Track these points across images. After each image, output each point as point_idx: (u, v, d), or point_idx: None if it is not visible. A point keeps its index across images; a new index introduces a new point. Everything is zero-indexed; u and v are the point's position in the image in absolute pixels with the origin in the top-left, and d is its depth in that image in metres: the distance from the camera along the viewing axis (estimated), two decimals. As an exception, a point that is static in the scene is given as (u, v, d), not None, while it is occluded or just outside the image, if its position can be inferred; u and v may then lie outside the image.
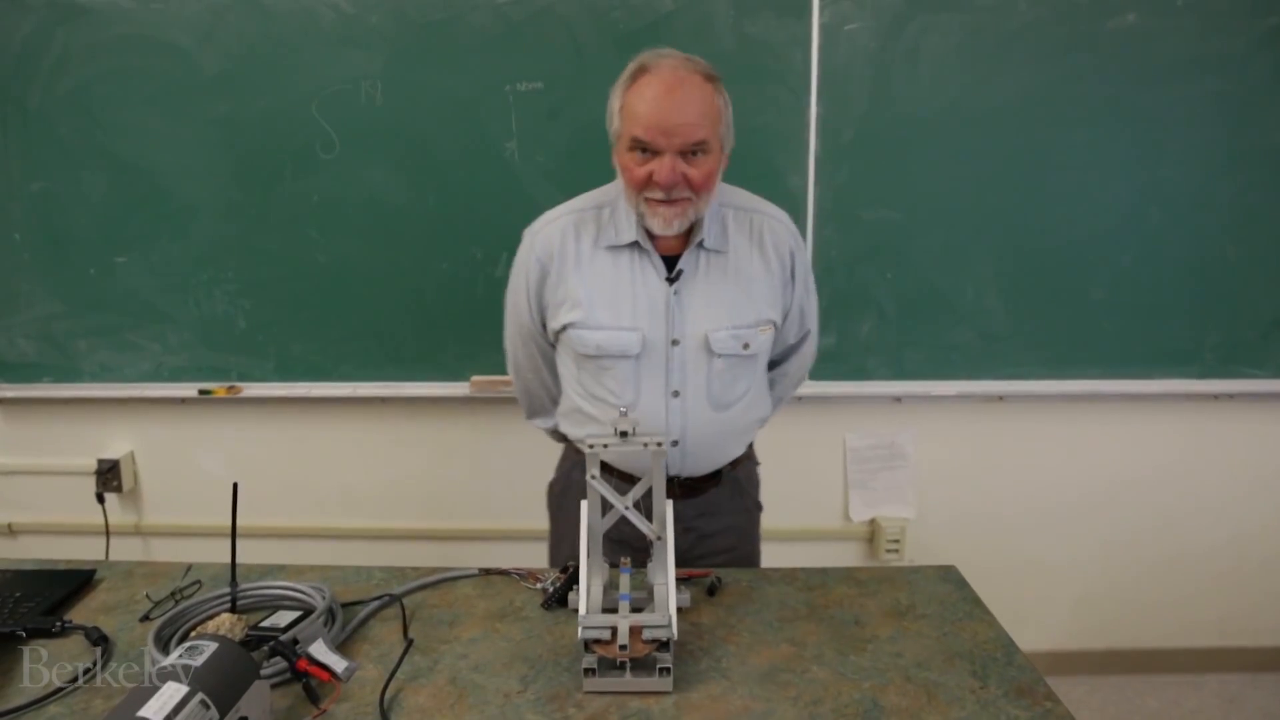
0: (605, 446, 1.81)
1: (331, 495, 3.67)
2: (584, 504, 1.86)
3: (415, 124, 3.21)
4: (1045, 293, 3.36)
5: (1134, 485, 3.67)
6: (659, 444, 1.81)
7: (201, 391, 3.45)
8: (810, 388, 3.41)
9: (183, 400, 3.53)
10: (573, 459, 2.50)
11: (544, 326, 2.35)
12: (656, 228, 2.14)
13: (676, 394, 2.25)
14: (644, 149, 2.05)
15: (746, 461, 2.52)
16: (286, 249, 3.31)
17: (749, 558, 2.54)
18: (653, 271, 2.22)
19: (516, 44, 3.13)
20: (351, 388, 3.44)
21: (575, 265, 2.24)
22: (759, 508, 2.61)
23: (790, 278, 2.35)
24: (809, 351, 2.59)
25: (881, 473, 3.64)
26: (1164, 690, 3.79)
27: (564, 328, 2.25)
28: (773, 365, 2.51)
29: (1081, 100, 3.20)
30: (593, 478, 1.83)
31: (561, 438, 2.55)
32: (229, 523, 1.96)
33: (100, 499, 3.63)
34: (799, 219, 3.23)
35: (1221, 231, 3.31)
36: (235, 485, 1.97)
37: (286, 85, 3.18)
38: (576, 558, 1.88)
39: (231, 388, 3.44)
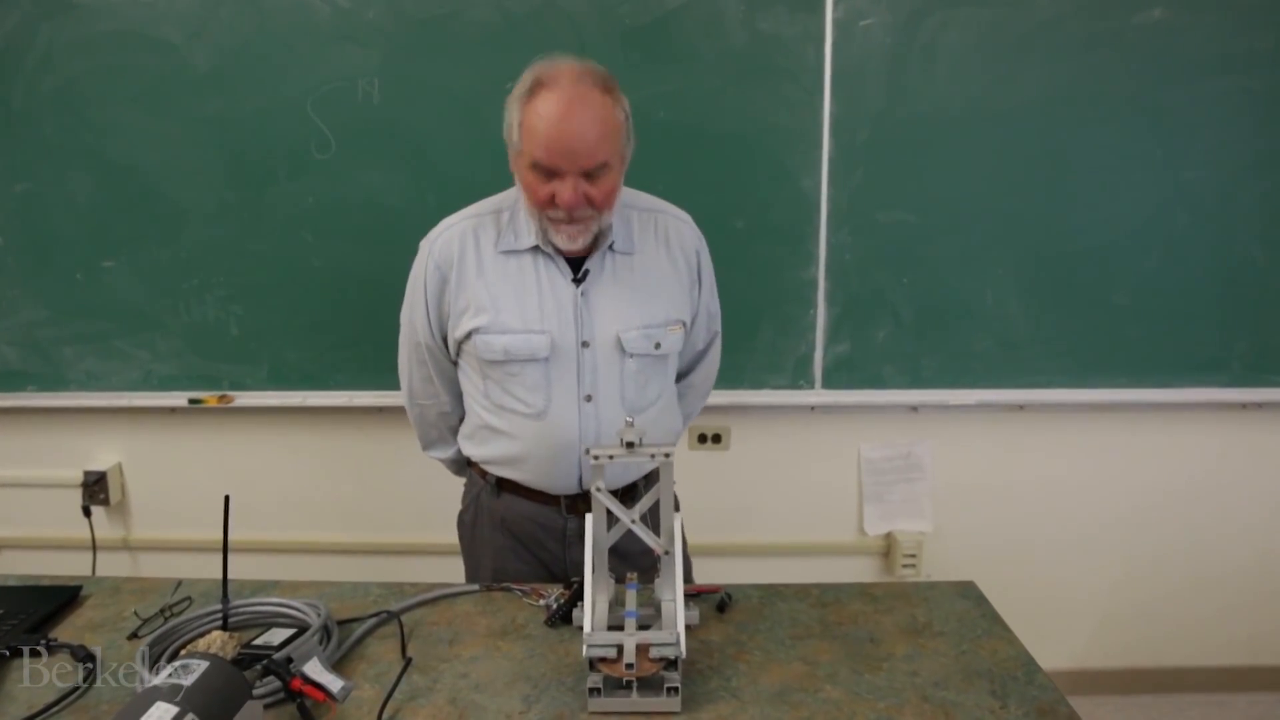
0: (611, 458, 1.81)
1: (327, 508, 3.67)
2: (589, 518, 1.86)
3: (414, 123, 3.21)
4: (1067, 298, 3.36)
5: (1160, 497, 3.66)
6: (666, 454, 1.81)
7: (192, 401, 3.45)
8: (823, 397, 3.41)
9: (172, 410, 3.53)
10: (479, 485, 2.50)
11: (445, 341, 2.37)
12: (561, 243, 2.18)
13: (589, 398, 2.26)
14: (545, 170, 2.06)
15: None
16: (280, 253, 3.31)
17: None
18: (558, 274, 2.25)
19: (519, 40, 3.13)
20: (348, 397, 3.44)
21: (477, 270, 2.27)
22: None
23: (697, 278, 2.41)
24: (714, 358, 2.64)
25: (897, 485, 3.64)
26: (1191, 710, 3.78)
27: (468, 335, 2.26)
28: (679, 378, 2.57)
29: (1105, 98, 3.20)
30: (597, 490, 1.83)
31: (461, 467, 2.58)
32: (220, 537, 1.96)
33: (86, 512, 3.63)
34: (812, 221, 3.24)
35: (1250, 234, 3.31)
36: (227, 498, 1.97)
37: (280, 83, 3.19)
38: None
39: (223, 397, 3.45)
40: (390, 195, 3.25)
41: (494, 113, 3.15)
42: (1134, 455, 3.62)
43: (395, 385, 3.37)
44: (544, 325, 2.22)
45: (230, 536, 1.97)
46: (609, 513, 1.86)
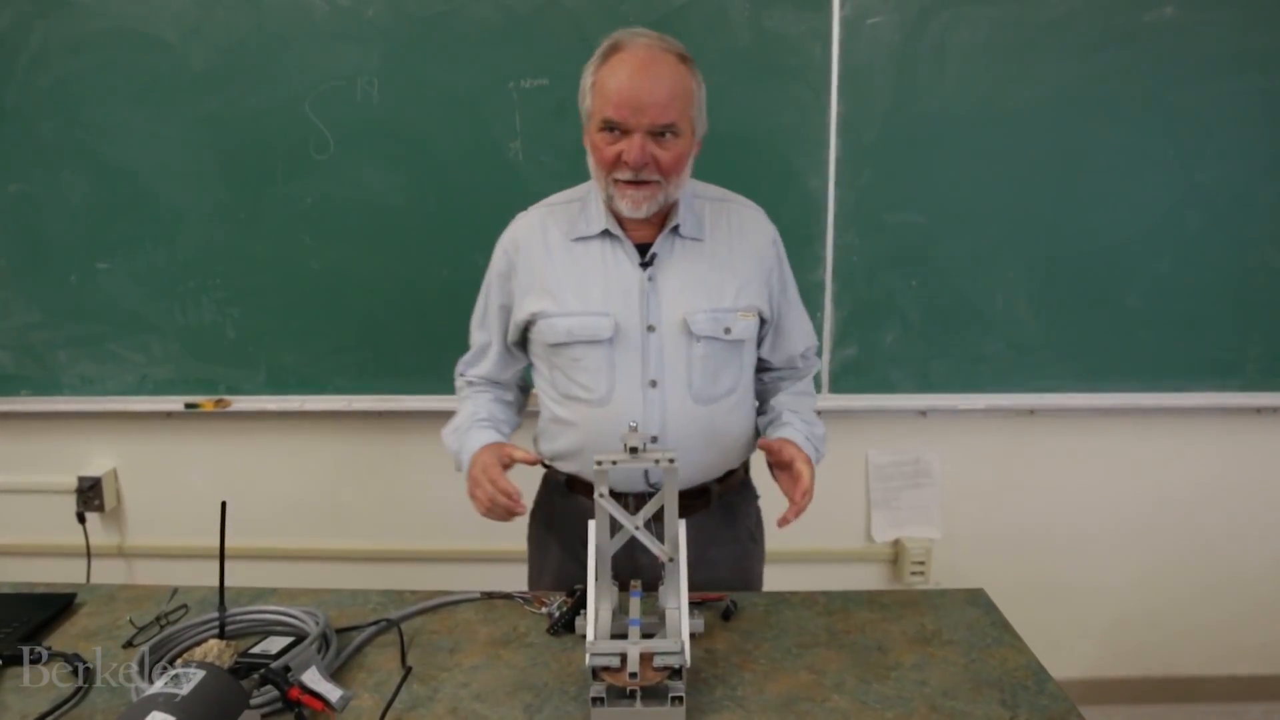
0: (614, 464, 1.81)
1: (325, 514, 3.68)
2: (591, 524, 1.86)
3: (414, 122, 3.22)
4: (1078, 301, 3.36)
5: (1172, 503, 3.66)
6: (670, 460, 1.81)
7: (188, 405, 3.45)
8: (830, 401, 3.41)
9: (168, 414, 3.53)
10: (553, 483, 2.49)
11: (505, 317, 2.39)
12: (625, 210, 2.17)
13: (654, 384, 2.25)
14: (613, 128, 2.09)
15: (742, 489, 2.52)
16: (278, 254, 3.32)
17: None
18: (625, 257, 2.25)
19: (520, 38, 3.13)
20: (346, 401, 3.44)
21: (544, 255, 2.29)
22: (756, 541, 2.58)
23: (775, 265, 2.40)
24: (804, 388, 2.58)
25: (906, 491, 3.64)
26: (1205, 720, 3.79)
27: (533, 319, 2.28)
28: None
29: (1117, 98, 3.20)
30: (600, 496, 1.83)
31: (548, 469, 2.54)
32: (217, 544, 1.96)
33: (81, 518, 3.63)
34: (819, 223, 3.24)
35: (1264, 236, 3.31)
36: (224, 504, 1.97)
37: (278, 82, 3.19)
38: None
39: (219, 401, 3.45)
40: (390, 196, 3.26)
41: (495, 112, 3.17)
42: (1146, 460, 3.61)
43: (395, 389, 3.39)
44: (607, 307, 2.22)
45: (227, 543, 1.97)
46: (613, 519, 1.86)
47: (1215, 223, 3.29)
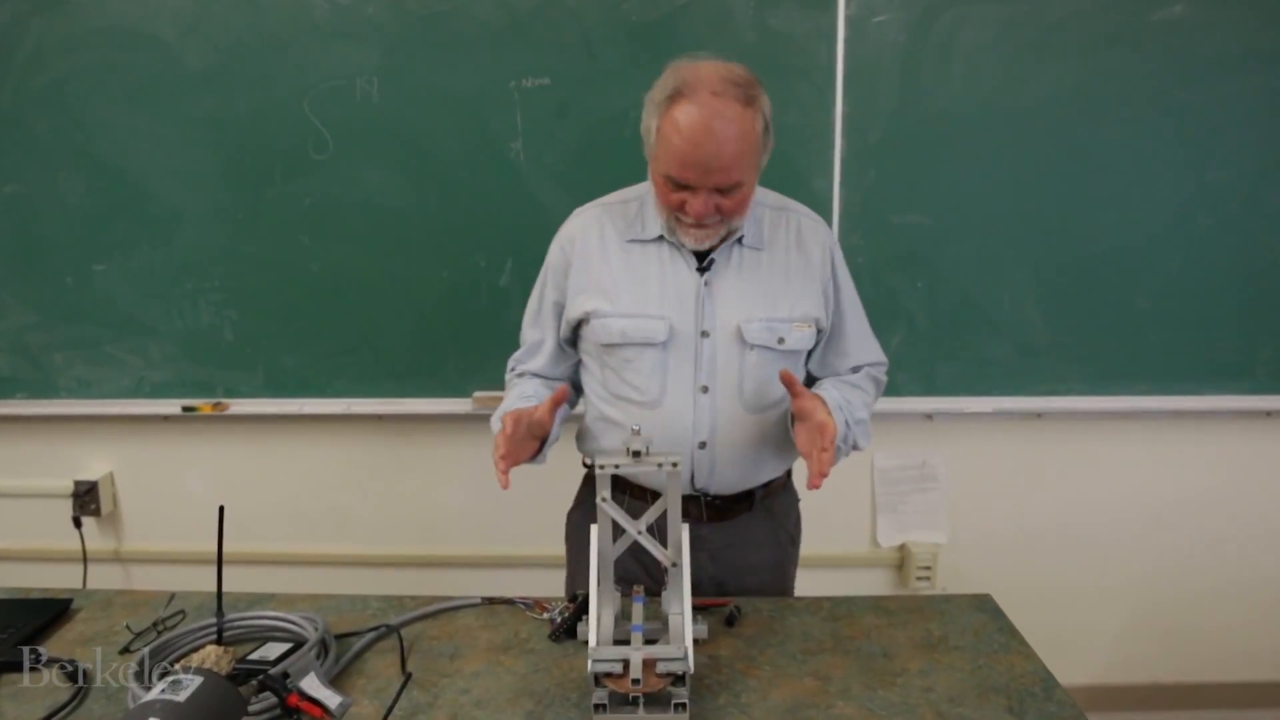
0: (617, 467, 1.81)
1: (324, 519, 3.67)
2: (594, 528, 1.86)
3: (414, 122, 3.21)
4: (1087, 303, 3.35)
5: (1182, 507, 3.66)
6: (674, 464, 1.81)
7: (185, 408, 3.45)
8: (835, 404, 3.40)
9: (165, 418, 3.53)
10: (593, 481, 2.48)
11: (559, 313, 2.39)
12: (688, 244, 2.22)
13: (705, 389, 2.26)
14: (677, 184, 2.09)
15: (783, 492, 2.53)
16: (276, 256, 3.32)
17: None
18: (682, 262, 2.26)
19: (522, 37, 3.13)
20: (346, 404, 3.44)
21: (601, 255, 2.30)
22: (794, 544, 2.61)
23: (831, 276, 2.38)
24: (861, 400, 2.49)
25: (912, 495, 3.64)
26: (1215, 728, 3.79)
27: (586, 317, 2.28)
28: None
29: (1125, 97, 3.20)
30: (603, 500, 1.83)
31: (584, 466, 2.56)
32: (215, 548, 1.96)
33: (77, 523, 3.63)
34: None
35: (1275, 236, 3.30)
36: (221, 509, 1.98)
37: (276, 81, 3.19)
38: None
39: (217, 404, 3.45)
40: (389, 197, 3.25)
41: (497, 112, 3.17)
42: (1155, 464, 3.61)
43: (395, 392, 3.38)
44: (663, 311, 2.24)
45: (225, 548, 1.97)
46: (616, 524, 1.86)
47: (1225, 223, 3.28)
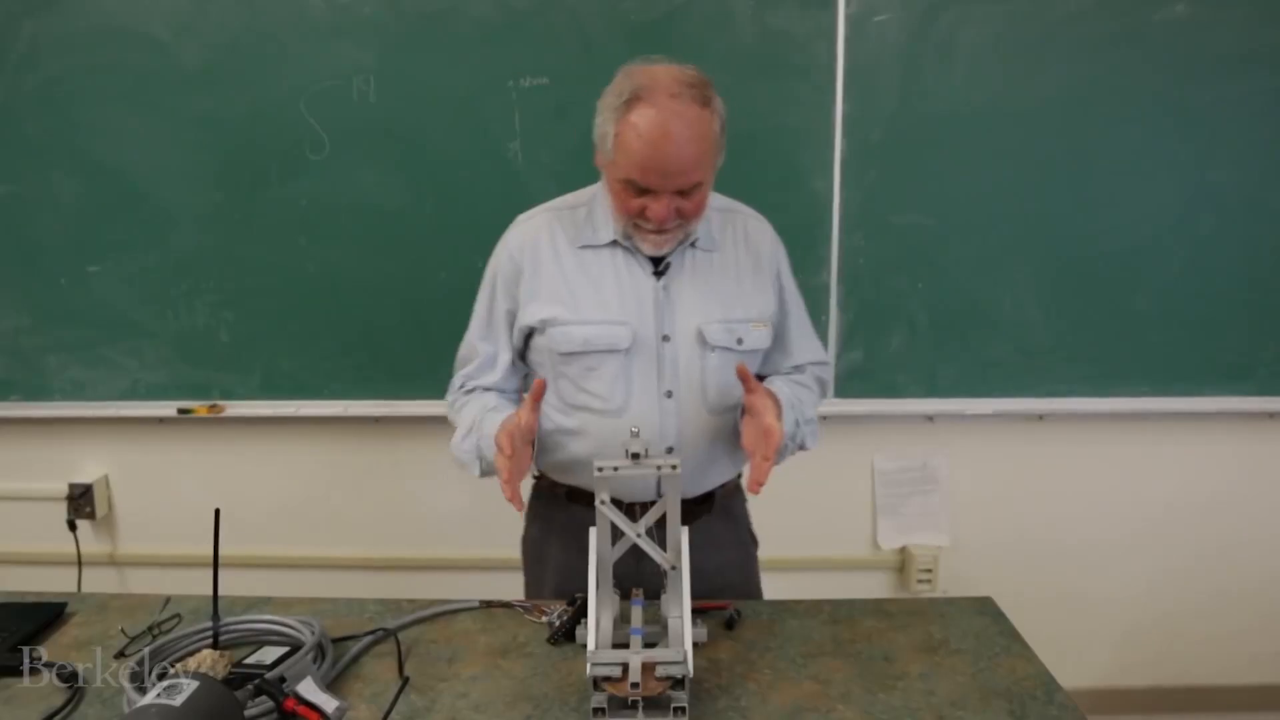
0: (615, 470, 1.81)
1: (322, 522, 3.68)
2: (592, 531, 1.86)
3: (411, 122, 3.22)
4: (1089, 304, 3.36)
5: (1184, 509, 3.66)
6: (673, 467, 1.81)
7: (181, 410, 3.45)
8: (835, 406, 3.41)
9: (160, 420, 3.53)
10: (547, 497, 2.48)
11: (512, 323, 2.35)
12: (646, 250, 2.21)
13: (670, 394, 2.25)
14: (638, 188, 2.08)
15: (736, 493, 2.53)
16: (272, 257, 3.32)
17: (752, 598, 2.52)
18: (638, 267, 2.25)
19: (520, 36, 3.13)
20: (343, 406, 3.44)
21: (554, 261, 2.28)
22: (755, 542, 2.61)
23: (776, 276, 2.40)
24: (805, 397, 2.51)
25: (912, 497, 3.64)
26: (1218, 732, 3.79)
27: (542, 326, 2.25)
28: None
29: (1127, 97, 3.20)
30: (602, 503, 1.83)
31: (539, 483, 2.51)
32: (210, 552, 1.96)
33: (72, 526, 3.63)
34: (824, 224, 3.25)
35: (1278, 237, 3.31)
36: (217, 511, 1.97)
37: (272, 81, 3.19)
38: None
39: (213, 406, 3.45)
40: (387, 197, 3.26)
41: (495, 111, 3.17)
42: (1158, 466, 3.61)
43: (392, 393, 3.38)
44: (624, 316, 2.22)
45: (221, 551, 1.97)
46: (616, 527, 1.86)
47: (1228, 224, 3.29)
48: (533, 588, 2.56)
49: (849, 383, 3.38)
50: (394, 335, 3.35)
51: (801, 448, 2.38)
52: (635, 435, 1.82)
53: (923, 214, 3.28)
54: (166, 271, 3.33)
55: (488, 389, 2.41)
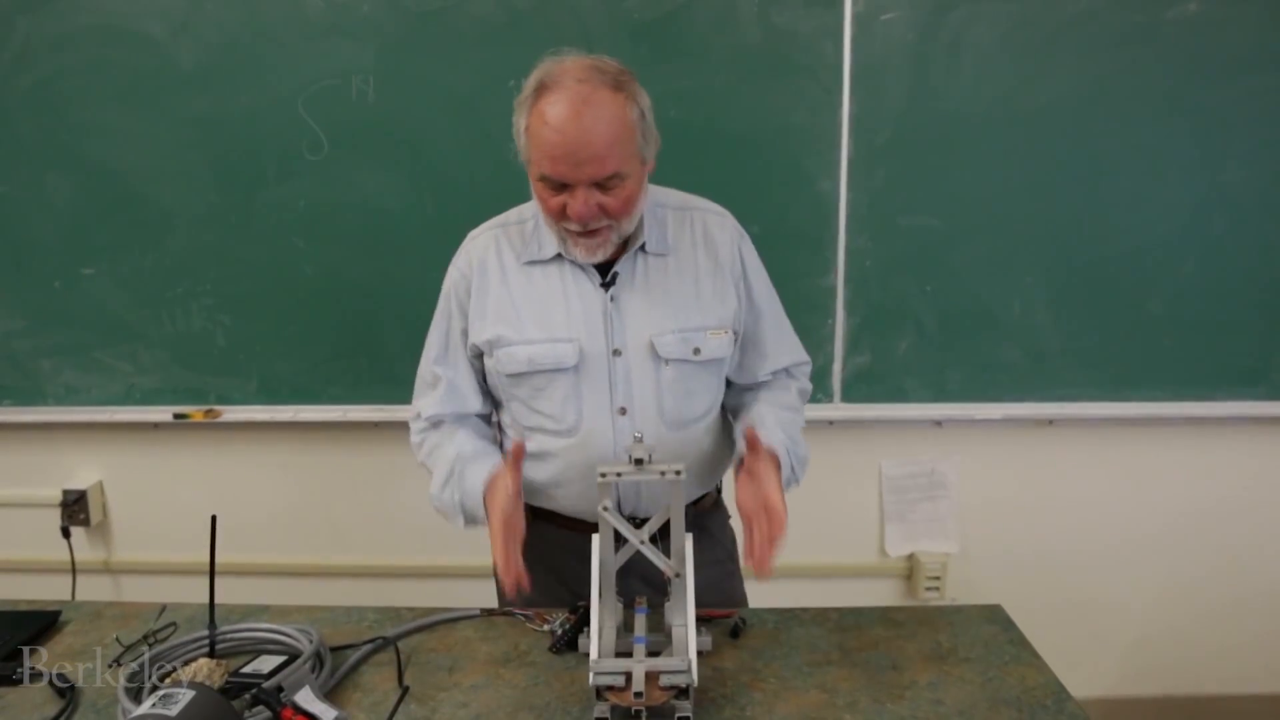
0: (619, 475, 1.81)
1: (320, 529, 3.68)
2: (594, 538, 1.86)
3: (411, 122, 3.22)
4: (1099, 307, 3.35)
5: (1196, 516, 3.65)
6: (678, 472, 1.81)
7: (177, 415, 3.45)
8: (842, 411, 3.41)
9: (156, 425, 3.53)
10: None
11: (466, 336, 2.32)
12: (580, 258, 2.15)
13: (623, 411, 2.21)
14: (554, 182, 2.02)
15: (714, 510, 2.50)
16: (270, 259, 3.32)
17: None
18: (585, 280, 2.21)
19: (522, 35, 3.13)
20: (341, 411, 3.44)
21: (500, 279, 2.25)
22: (735, 560, 2.55)
23: (741, 275, 2.32)
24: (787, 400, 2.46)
25: (920, 503, 3.64)
26: (1231, 742, 3.78)
27: (489, 347, 2.24)
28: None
29: (1139, 96, 3.20)
30: (604, 509, 1.83)
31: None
32: (207, 559, 1.96)
33: (66, 533, 3.63)
34: (830, 226, 3.24)
35: (1293, 239, 3.31)
36: (214, 518, 1.97)
37: (270, 80, 3.20)
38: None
39: (209, 411, 3.45)
40: (386, 198, 3.26)
41: (495, 111, 3.17)
42: (1169, 471, 3.61)
43: (391, 398, 3.37)
44: (571, 333, 2.18)
45: (218, 558, 1.97)
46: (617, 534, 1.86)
47: (1241, 225, 3.28)
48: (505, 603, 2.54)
49: (855, 387, 3.38)
50: (393, 339, 3.35)
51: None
52: (639, 440, 1.82)
53: (930, 215, 3.28)
54: (162, 274, 3.33)
55: (455, 422, 2.40)
